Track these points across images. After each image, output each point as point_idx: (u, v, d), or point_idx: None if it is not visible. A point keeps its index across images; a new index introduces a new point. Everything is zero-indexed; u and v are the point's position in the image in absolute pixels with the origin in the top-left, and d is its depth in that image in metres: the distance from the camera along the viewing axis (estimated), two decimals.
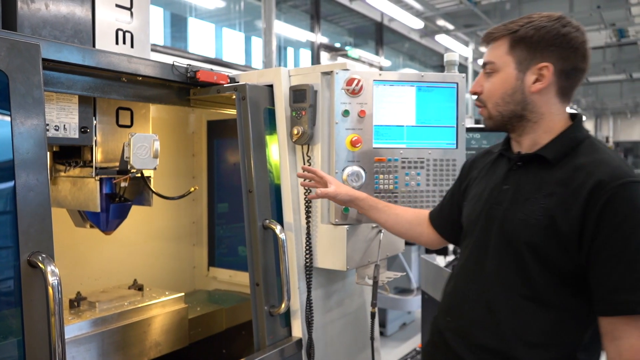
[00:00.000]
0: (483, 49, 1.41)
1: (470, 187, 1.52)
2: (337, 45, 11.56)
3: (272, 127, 2.01)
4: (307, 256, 1.98)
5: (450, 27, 12.85)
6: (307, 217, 1.99)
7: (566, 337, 1.24)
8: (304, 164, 1.98)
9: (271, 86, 2.02)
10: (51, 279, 1.24)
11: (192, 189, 2.27)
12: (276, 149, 2.01)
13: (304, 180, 1.85)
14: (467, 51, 13.72)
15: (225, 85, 2.01)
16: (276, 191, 1.99)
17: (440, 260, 4.76)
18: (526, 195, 1.28)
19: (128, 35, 1.95)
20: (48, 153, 1.57)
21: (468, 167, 1.60)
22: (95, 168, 1.90)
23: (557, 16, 1.28)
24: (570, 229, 1.18)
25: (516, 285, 1.27)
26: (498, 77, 1.32)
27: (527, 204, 1.26)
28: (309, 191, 1.97)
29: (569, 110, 1.36)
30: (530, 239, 1.24)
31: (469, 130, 2.71)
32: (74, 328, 1.86)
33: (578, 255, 1.19)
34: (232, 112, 2.37)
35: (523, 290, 1.26)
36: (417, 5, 11.51)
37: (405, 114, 1.97)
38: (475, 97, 1.42)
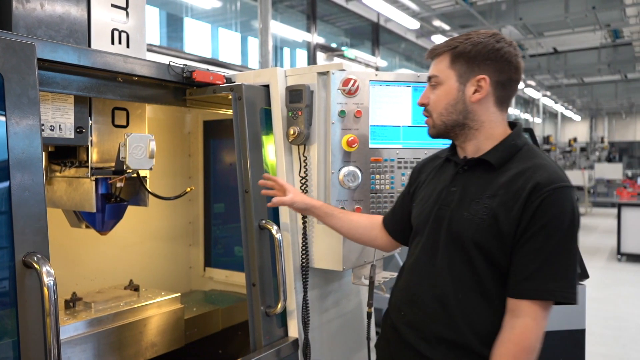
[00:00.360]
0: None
1: (419, 190, 1.61)
2: (334, 45, 11.56)
3: (268, 128, 2.01)
4: (304, 256, 1.99)
5: (447, 27, 12.87)
6: (304, 217, 1.99)
7: None
8: (301, 164, 1.98)
9: (267, 86, 2.02)
10: (46, 280, 1.24)
11: (189, 189, 2.27)
12: (272, 149, 2.01)
13: (265, 188, 1.85)
14: None
15: (221, 86, 2.01)
16: None
17: None
18: (471, 196, 1.39)
19: (124, 35, 1.95)
20: (43, 153, 1.57)
21: (417, 172, 1.69)
22: (91, 168, 1.89)
23: (492, 33, 1.41)
24: (509, 228, 1.31)
25: (464, 280, 1.37)
26: (442, 90, 1.43)
27: (473, 205, 1.37)
28: (305, 191, 1.97)
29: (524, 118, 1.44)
30: (475, 237, 1.34)
31: None
32: (70, 329, 1.85)
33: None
34: (229, 112, 2.36)
35: (470, 284, 1.37)
36: (413, 6, 11.52)
37: (401, 114, 1.97)
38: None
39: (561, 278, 1.28)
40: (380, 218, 1.78)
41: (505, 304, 1.34)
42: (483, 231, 1.33)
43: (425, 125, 1.53)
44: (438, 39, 12.89)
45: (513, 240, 1.31)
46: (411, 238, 1.58)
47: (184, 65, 1.94)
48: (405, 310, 1.49)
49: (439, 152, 1.66)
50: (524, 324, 1.29)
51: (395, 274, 2.28)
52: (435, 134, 1.49)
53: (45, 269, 1.25)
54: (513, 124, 1.47)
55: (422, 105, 1.50)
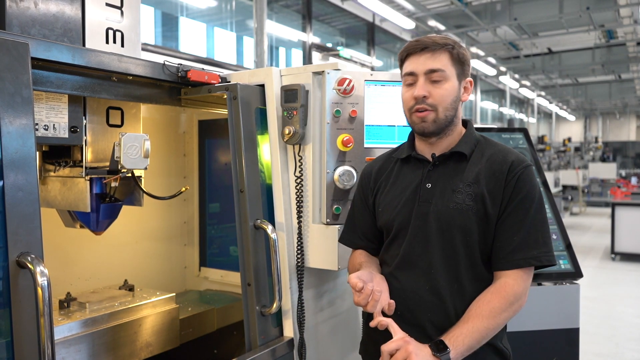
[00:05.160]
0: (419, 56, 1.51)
1: (380, 195, 1.62)
2: (329, 45, 11.56)
3: (263, 127, 2.01)
4: (299, 256, 1.98)
5: (442, 27, 12.90)
6: (299, 217, 1.99)
7: None
8: (296, 164, 1.98)
9: (262, 86, 2.01)
10: (40, 280, 1.23)
11: (183, 188, 2.26)
12: (267, 149, 2.01)
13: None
14: None
15: (216, 85, 2.00)
16: (267, 191, 1.99)
17: None
18: (452, 187, 1.47)
19: (118, 34, 1.94)
20: (37, 153, 1.56)
21: (370, 178, 1.68)
22: (85, 168, 1.88)
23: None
24: (494, 209, 1.43)
25: (459, 269, 1.45)
26: (449, 85, 1.49)
27: (456, 194, 1.46)
28: (301, 190, 1.97)
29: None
30: (467, 224, 1.43)
31: None
32: (64, 329, 1.84)
33: None
34: (224, 111, 2.36)
35: (465, 272, 1.45)
36: (409, 6, 11.54)
37: (396, 114, 1.97)
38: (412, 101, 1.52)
39: (542, 244, 1.42)
40: (362, 251, 1.69)
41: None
42: (471, 217, 1.43)
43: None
44: None
45: (496, 219, 1.44)
46: (388, 242, 1.58)
47: (179, 64, 1.93)
48: (401, 309, 1.49)
49: (389, 153, 1.70)
50: (504, 282, 1.42)
51: None
52: (435, 129, 1.49)
53: (39, 269, 1.24)
54: (464, 121, 1.59)
55: (420, 97, 1.47)
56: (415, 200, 1.51)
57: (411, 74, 1.50)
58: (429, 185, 1.50)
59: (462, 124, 1.58)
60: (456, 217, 1.44)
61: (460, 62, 1.50)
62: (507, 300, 1.39)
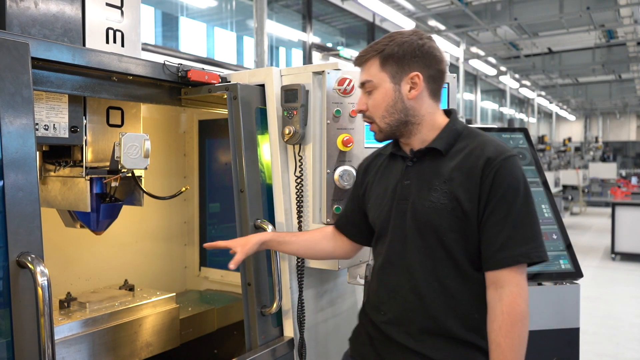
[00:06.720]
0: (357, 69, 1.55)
1: (370, 190, 1.62)
2: (329, 45, 11.56)
3: (263, 127, 2.01)
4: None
5: (442, 27, 12.90)
6: (299, 216, 1.99)
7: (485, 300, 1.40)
8: (296, 164, 1.98)
9: (263, 86, 2.02)
10: (40, 280, 1.23)
11: (184, 188, 2.26)
12: (268, 149, 2.01)
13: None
14: (458, 51, 13.78)
15: (216, 85, 2.00)
16: (268, 191, 1.99)
17: None
18: (428, 184, 1.43)
19: (119, 34, 1.94)
20: (37, 153, 1.56)
21: (363, 172, 1.69)
22: (86, 168, 1.88)
23: (413, 31, 1.47)
24: (472, 206, 1.36)
25: (438, 268, 1.41)
26: (378, 93, 1.46)
27: (432, 192, 1.41)
28: (301, 190, 1.97)
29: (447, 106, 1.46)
30: (443, 223, 1.38)
31: None
32: (64, 329, 1.85)
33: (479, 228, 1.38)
34: (224, 111, 2.36)
35: (446, 271, 1.40)
36: (409, 6, 11.54)
37: None
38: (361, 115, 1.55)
39: (530, 240, 1.35)
40: (329, 228, 1.78)
41: (481, 283, 1.39)
42: (447, 216, 1.38)
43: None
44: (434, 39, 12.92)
45: (477, 217, 1.36)
46: (375, 240, 1.59)
47: (179, 64, 1.93)
48: (384, 309, 1.49)
49: (380, 150, 1.69)
50: (510, 292, 1.34)
51: None
52: (384, 137, 1.52)
53: (39, 268, 1.24)
54: (448, 111, 1.53)
55: (360, 112, 1.53)
56: (394, 198, 1.49)
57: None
58: (407, 182, 1.47)
59: (447, 115, 1.52)
60: (432, 217, 1.39)
61: (396, 60, 1.42)
62: (514, 324, 1.33)
